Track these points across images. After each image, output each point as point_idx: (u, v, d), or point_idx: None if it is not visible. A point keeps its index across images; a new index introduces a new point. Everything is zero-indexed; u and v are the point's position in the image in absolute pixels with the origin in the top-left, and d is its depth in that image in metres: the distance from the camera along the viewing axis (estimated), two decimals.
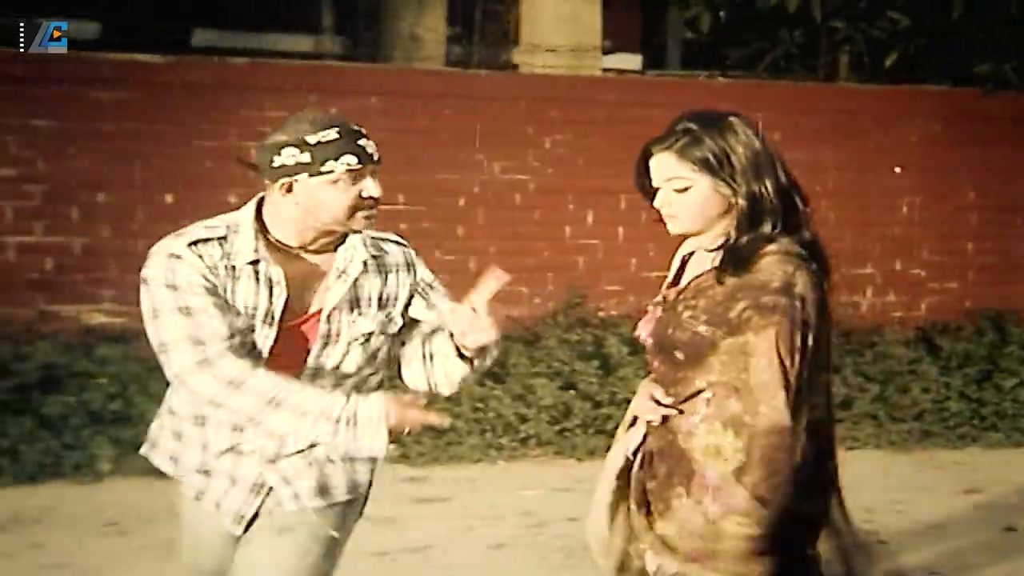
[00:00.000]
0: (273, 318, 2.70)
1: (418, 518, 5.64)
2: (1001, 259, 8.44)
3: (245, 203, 2.80)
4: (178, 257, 2.65)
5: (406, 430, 2.66)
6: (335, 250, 2.77)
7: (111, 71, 6.91)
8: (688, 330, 2.56)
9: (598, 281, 7.74)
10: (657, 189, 2.63)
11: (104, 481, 5.99)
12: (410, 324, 2.89)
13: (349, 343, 2.76)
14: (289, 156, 2.63)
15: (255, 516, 2.81)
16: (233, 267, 2.68)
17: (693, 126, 2.57)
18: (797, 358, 2.47)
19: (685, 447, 2.57)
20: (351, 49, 11.19)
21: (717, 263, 2.58)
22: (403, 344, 2.89)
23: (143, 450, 2.94)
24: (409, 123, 7.33)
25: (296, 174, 2.63)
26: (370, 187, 2.68)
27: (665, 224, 2.67)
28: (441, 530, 5.46)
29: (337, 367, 2.76)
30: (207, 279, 2.65)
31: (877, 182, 8.22)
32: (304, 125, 2.64)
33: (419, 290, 2.89)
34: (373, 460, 2.86)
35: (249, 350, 2.68)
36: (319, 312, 2.74)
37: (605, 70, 9.61)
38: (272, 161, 2.65)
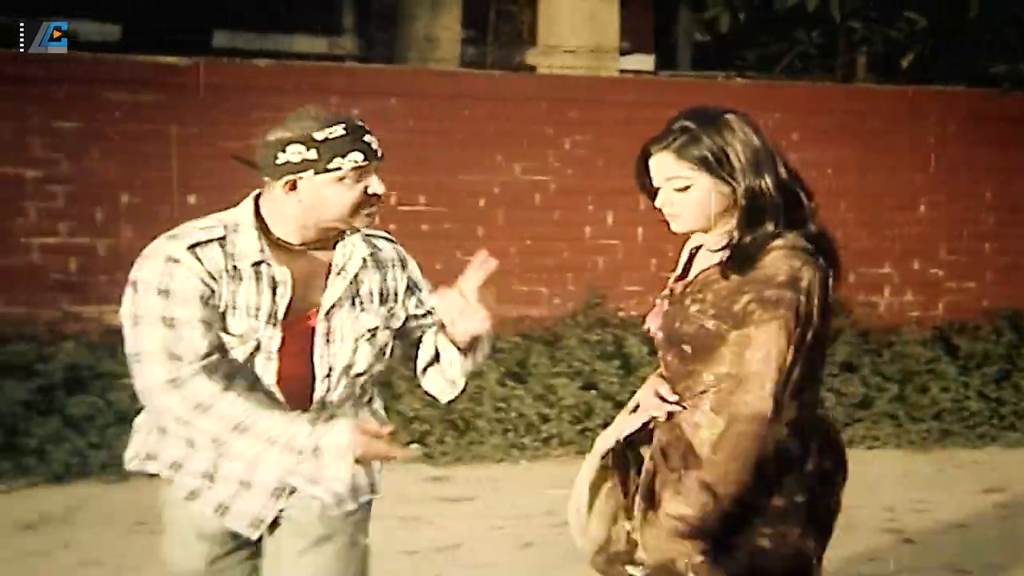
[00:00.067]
0: (278, 318, 2.65)
1: (445, 517, 5.66)
2: (1018, 259, 8.47)
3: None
4: (176, 261, 2.58)
5: (371, 462, 2.63)
6: (333, 247, 2.73)
7: (134, 73, 6.96)
8: (695, 323, 2.57)
9: (618, 281, 7.77)
10: (658, 189, 2.64)
11: (130, 480, 5.99)
12: (413, 322, 2.85)
13: (356, 339, 2.73)
14: (295, 153, 2.57)
15: (275, 522, 2.76)
16: (236, 268, 2.62)
17: (690, 124, 2.57)
18: (793, 352, 2.47)
19: (692, 440, 2.57)
20: (366, 50, 11.22)
21: (724, 261, 2.58)
22: (415, 346, 2.87)
23: (132, 465, 2.82)
24: (429, 124, 7.37)
25: (301, 171, 2.57)
26: (374, 184, 2.64)
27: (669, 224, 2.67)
28: (469, 529, 5.48)
29: (349, 365, 2.73)
30: (204, 285, 2.58)
31: (895, 182, 8.25)
32: (309, 122, 2.59)
33: (410, 286, 2.86)
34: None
35: (253, 350, 2.63)
36: (319, 309, 2.71)
37: (620, 71, 9.63)
38: (276, 158, 2.59)
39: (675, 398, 2.62)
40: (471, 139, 7.48)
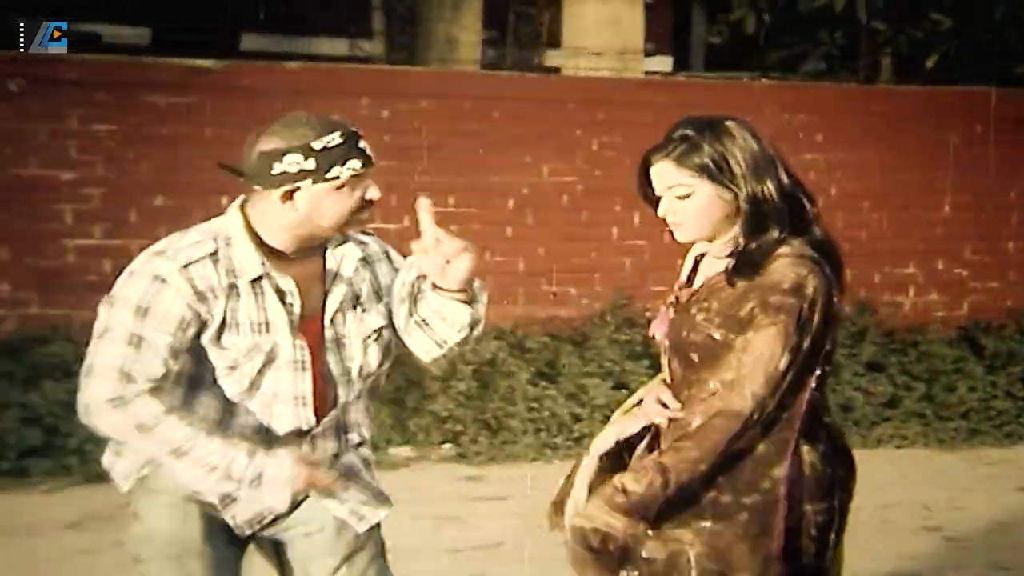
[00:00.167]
0: (290, 329, 2.62)
1: (482, 516, 5.69)
2: None
3: None
4: (164, 281, 2.53)
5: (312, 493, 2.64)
6: (323, 251, 2.70)
7: (167, 75, 7.01)
8: (702, 333, 2.57)
9: (645, 282, 7.79)
10: (660, 198, 2.62)
11: None
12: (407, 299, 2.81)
13: (364, 341, 2.73)
14: (292, 163, 2.51)
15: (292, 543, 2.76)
16: (232, 285, 2.58)
17: (690, 132, 2.56)
18: (788, 359, 2.48)
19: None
20: (387, 52, 11.26)
21: (729, 268, 2.59)
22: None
23: (134, 482, 2.74)
24: (459, 126, 7.41)
25: (299, 181, 2.52)
26: (372, 191, 2.61)
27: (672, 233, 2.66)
28: (509, 528, 5.51)
29: (361, 367, 2.73)
30: (189, 309, 2.54)
31: (919, 183, 8.28)
32: (304, 130, 2.54)
33: (396, 271, 2.82)
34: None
35: (263, 364, 2.61)
36: (322, 316, 2.69)
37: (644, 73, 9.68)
38: (271, 168, 2.53)
39: (677, 405, 2.63)
40: (500, 141, 7.51)
